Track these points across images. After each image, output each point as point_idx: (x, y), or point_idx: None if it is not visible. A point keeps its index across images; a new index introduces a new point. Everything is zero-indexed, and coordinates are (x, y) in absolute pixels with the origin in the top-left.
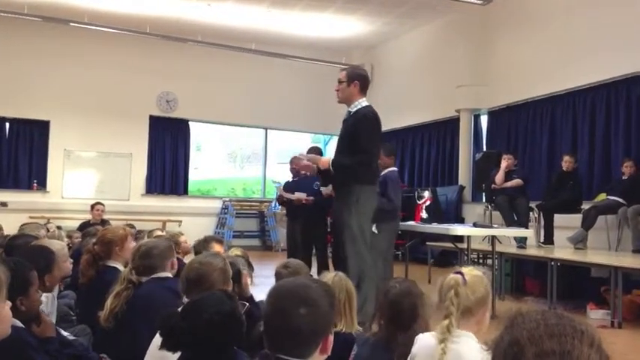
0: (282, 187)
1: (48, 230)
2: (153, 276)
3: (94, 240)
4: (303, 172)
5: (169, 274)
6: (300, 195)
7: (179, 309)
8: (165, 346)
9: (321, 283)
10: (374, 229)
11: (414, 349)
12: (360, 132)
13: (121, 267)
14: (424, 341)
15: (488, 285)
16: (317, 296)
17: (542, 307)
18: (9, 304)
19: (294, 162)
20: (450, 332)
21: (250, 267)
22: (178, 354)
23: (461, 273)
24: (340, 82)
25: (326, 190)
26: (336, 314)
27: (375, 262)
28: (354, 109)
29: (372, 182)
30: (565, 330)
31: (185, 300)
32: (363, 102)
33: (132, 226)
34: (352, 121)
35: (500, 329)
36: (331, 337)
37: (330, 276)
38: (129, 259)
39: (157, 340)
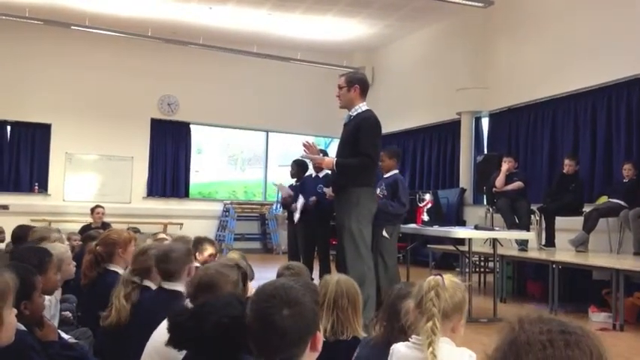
0: (282, 185)
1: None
2: (165, 286)
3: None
4: (310, 159)
5: (182, 288)
6: (298, 206)
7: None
8: (171, 342)
9: (303, 282)
10: (384, 233)
11: None
12: (361, 136)
13: (121, 271)
14: (400, 352)
15: (466, 294)
16: (299, 295)
17: (544, 310)
18: (15, 311)
19: (306, 145)
20: (436, 334)
21: (250, 270)
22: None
23: (440, 275)
24: (340, 87)
25: (330, 192)
26: (342, 321)
27: (386, 265)
28: (355, 113)
29: (370, 184)
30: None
31: (188, 304)
32: (363, 106)
33: (137, 230)
34: (353, 124)
35: (501, 333)
36: (320, 334)
37: (333, 281)
38: (129, 262)
39: (158, 338)
